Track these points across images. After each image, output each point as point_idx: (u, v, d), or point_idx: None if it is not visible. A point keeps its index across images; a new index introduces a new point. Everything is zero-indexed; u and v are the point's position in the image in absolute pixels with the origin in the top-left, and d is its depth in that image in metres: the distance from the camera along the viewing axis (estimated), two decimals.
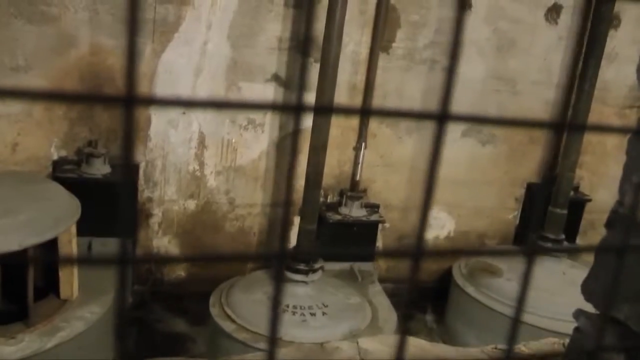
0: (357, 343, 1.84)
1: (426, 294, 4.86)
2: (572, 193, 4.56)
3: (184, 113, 4.19)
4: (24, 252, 2.90)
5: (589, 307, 1.40)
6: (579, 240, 5.10)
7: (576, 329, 1.34)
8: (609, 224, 0.75)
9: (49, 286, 3.26)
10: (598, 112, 4.78)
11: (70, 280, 3.25)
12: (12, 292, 3.06)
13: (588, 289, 1.25)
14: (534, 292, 3.86)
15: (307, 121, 3.98)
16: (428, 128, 4.67)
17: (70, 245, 3.19)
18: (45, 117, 3.97)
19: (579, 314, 1.30)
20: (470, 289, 4.30)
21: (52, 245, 3.12)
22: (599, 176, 5.16)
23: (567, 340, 1.68)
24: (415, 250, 0.44)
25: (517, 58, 4.72)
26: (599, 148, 5.09)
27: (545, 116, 4.92)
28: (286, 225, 0.43)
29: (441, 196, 4.82)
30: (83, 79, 3.98)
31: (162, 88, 4.12)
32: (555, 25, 4.72)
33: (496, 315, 4.07)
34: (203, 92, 4.19)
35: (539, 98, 4.83)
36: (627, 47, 4.85)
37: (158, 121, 4.18)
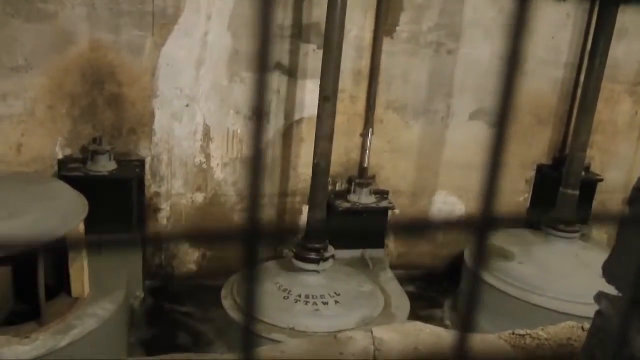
0: (372, 332, 1.81)
1: (438, 280, 4.84)
2: (583, 173, 4.49)
3: (187, 106, 4.16)
4: (34, 253, 2.89)
5: (608, 289, 1.36)
6: (591, 221, 5.05)
7: (598, 313, 1.30)
8: (631, 202, 0.71)
9: (61, 285, 3.25)
10: (609, 90, 4.72)
11: (81, 278, 3.23)
12: (24, 292, 3.05)
13: (610, 271, 1.21)
14: (547, 274, 3.83)
15: (312, 109, 3.94)
16: (435, 113, 4.63)
17: (80, 243, 3.17)
18: (49, 116, 3.94)
19: (600, 297, 1.26)
20: (482, 273, 4.26)
21: (61, 244, 3.11)
22: (610, 156, 5.10)
23: (586, 324, 1.64)
24: (482, 221, 0.41)
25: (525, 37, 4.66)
26: (610, 127, 5.03)
27: (553, 97, 4.86)
28: (256, 200, 0.39)
29: (450, 180, 4.78)
30: (84, 76, 3.95)
31: (165, 82, 4.08)
32: (563, 2, 4.64)
33: (509, 299, 4.03)
34: (206, 83, 4.16)
35: (548, 78, 4.77)
36: (638, 23, 4.77)
37: (162, 115, 4.14)
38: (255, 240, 0.39)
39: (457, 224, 0.44)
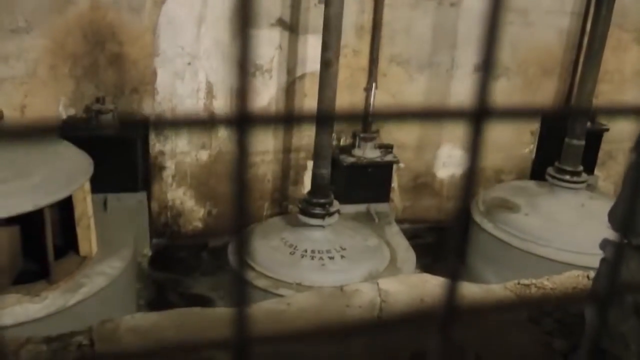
0: (378, 284, 1.82)
1: (444, 233, 4.85)
2: (589, 123, 4.46)
3: (189, 63, 4.13)
4: (40, 212, 2.91)
5: (614, 236, 1.36)
6: (597, 172, 5.03)
7: (603, 260, 1.31)
8: (637, 147, 0.70)
9: (69, 244, 3.27)
10: (616, 39, 4.65)
11: (88, 237, 3.26)
12: (33, 251, 3.07)
13: (615, 217, 1.21)
14: (553, 225, 3.82)
15: (314, 64, 3.91)
16: (439, 65, 4.58)
17: (85, 202, 3.19)
18: (51, 76, 3.92)
19: (605, 244, 1.26)
20: (488, 226, 4.27)
21: (67, 203, 3.12)
22: (617, 105, 5.06)
23: (591, 273, 1.65)
24: (477, 110, 0.40)
25: None
26: (617, 76, 4.97)
27: (559, 48, 4.80)
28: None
29: (455, 133, 4.76)
30: (85, 37, 3.91)
31: (166, 40, 4.04)
32: None
33: (514, 251, 4.05)
34: (207, 41, 4.11)
35: (553, 27, 4.70)
36: None
37: (164, 73, 4.11)
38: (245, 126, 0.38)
39: (454, 113, 0.43)
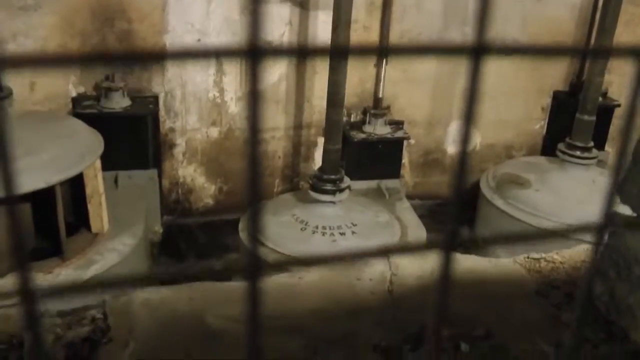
0: (388, 257, 1.83)
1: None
2: (600, 99, 4.43)
3: (198, 40, 4.12)
4: (52, 189, 2.93)
5: (622, 210, 1.36)
6: (608, 147, 5.00)
7: (612, 233, 1.31)
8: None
9: (80, 221, 3.30)
10: (629, 13, 4.59)
11: (99, 214, 3.29)
12: (44, 229, 3.10)
13: (625, 190, 1.21)
14: (563, 201, 3.82)
15: (325, 41, 3.89)
16: (450, 41, 4.55)
17: (96, 179, 3.21)
18: (60, 54, 3.92)
19: (614, 216, 1.26)
20: (498, 202, 4.27)
21: (78, 181, 3.15)
22: (629, 80, 5.01)
23: (600, 247, 1.65)
24: (476, 45, 0.41)
25: None
26: None
27: (571, 23, 4.75)
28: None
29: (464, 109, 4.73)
30: (94, 14, 3.90)
31: (175, 16, 4.03)
32: None
33: (525, 226, 4.04)
34: (217, 17, 4.10)
35: (565, 2, 4.65)
36: None
37: (173, 50, 4.10)
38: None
39: (454, 49, 0.44)
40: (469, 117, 0.41)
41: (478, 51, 0.41)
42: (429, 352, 0.44)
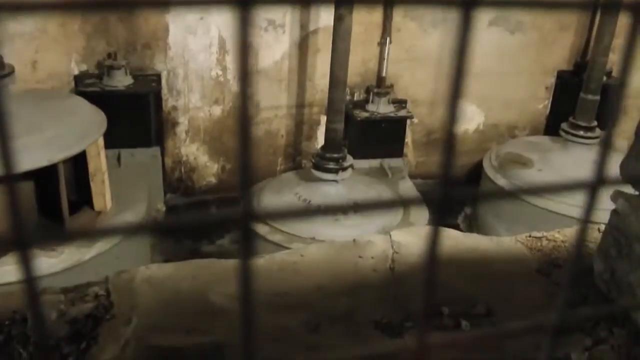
0: (390, 236, 1.83)
1: (456, 188, 4.84)
2: (604, 78, 4.41)
3: (201, 18, 4.10)
4: (54, 167, 2.93)
5: (625, 189, 1.35)
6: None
7: (614, 211, 1.31)
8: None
9: (83, 199, 3.31)
10: None
11: (102, 192, 3.29)
12: (47, 206, 3.11)
13: (627, 169, 1.21)
14: (566, 181, 3.82)
15: (328, 19, 3.87)
16: (454, 20, 4.52)
17: (99, 157, 3.21)
18: (61, 32, 3.90)
19: (617, 196, 1.26)
20: (501, 181, 4.27)
21: (81, 159, 3.15)
22: (634, 59, 4.97)
23: (602, 226, 1.65)
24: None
25: None
26: None
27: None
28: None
29: (469, 88, 4.70)
30: None
31: None
32: None
33: (527, 206, 4.04)
34: None
35: None
36: None
37: (176, 29, 4.09)
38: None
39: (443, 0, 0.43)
40: (459, 73, 0.40)
41: (468, 3, 0.40)
42: (420, 326, 0.44)
